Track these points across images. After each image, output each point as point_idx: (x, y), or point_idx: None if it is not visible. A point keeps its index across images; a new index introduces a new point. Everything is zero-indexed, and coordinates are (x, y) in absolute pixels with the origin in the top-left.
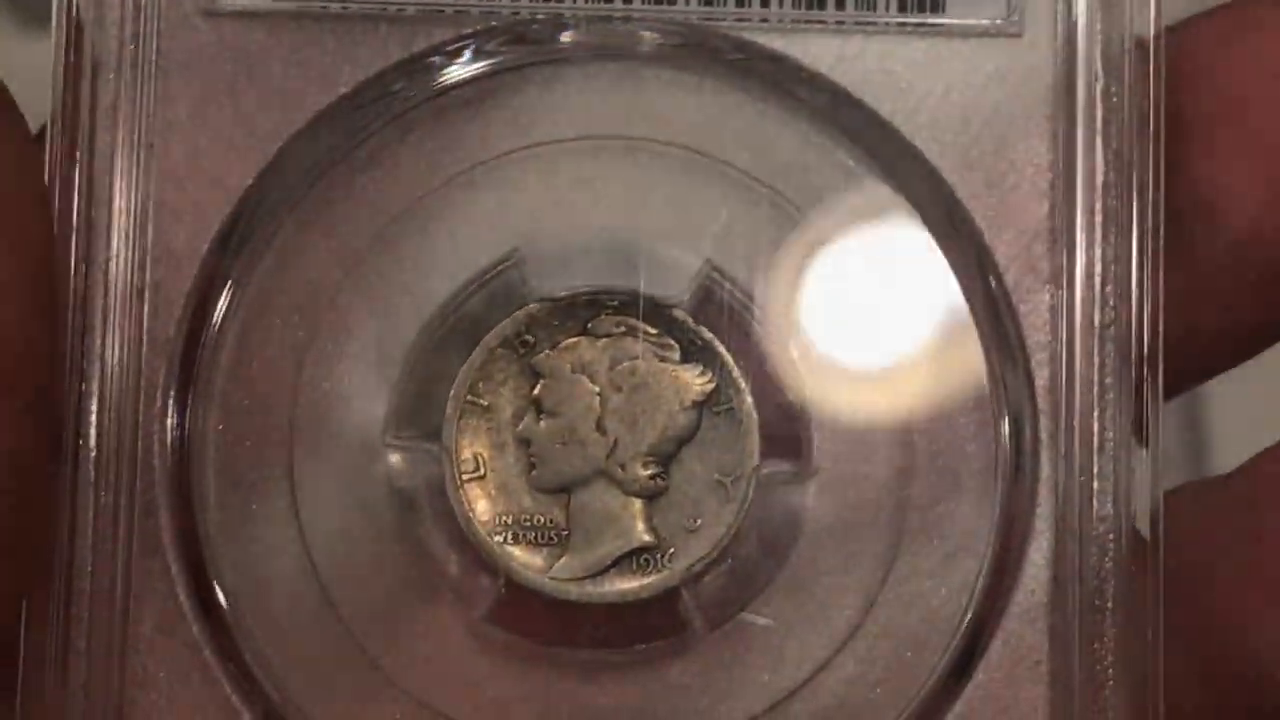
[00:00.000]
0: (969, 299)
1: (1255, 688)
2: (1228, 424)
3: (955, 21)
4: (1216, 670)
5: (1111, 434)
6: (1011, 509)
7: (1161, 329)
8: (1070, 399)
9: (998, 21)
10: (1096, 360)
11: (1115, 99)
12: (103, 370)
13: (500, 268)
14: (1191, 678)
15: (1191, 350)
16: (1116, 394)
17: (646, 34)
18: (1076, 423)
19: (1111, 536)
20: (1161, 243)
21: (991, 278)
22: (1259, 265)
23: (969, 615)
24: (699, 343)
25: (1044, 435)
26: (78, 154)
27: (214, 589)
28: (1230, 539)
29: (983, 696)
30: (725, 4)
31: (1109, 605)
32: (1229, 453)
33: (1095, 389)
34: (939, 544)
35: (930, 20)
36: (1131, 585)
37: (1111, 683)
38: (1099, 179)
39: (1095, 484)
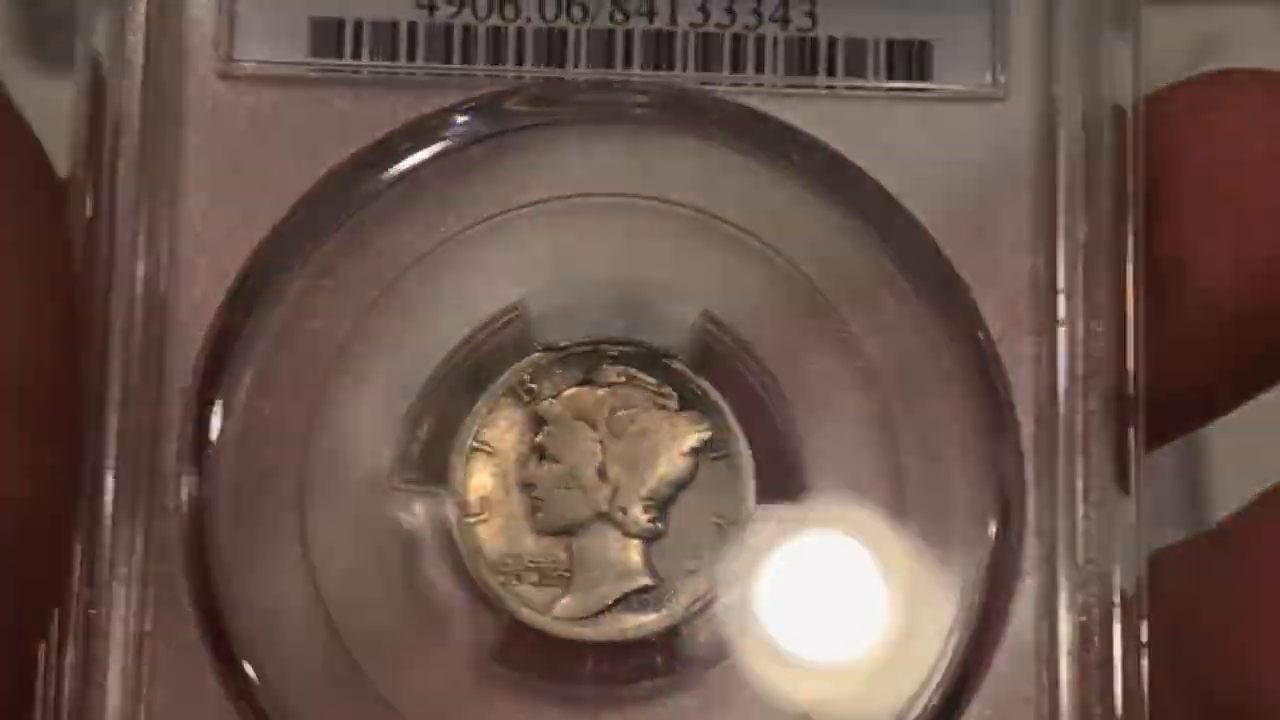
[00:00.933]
0: (956, 350)
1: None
2: (1225, 473)
3: (942, 87)
4: (1208, 708)
5: (1095, 481)
6: (999, 552)
7: (1143, 380)
8: (1054, 447)
9: (983, 87)
10: (1080, 410)
11: (1095, 159)
12: (121, 418)
13: (505, 319)
14: (1183, 713)
15: (1172, 403)
16: (1099, 443)
17: (644, 98)
18: (1060, 470)
19: (1096, 579)
20: (1142, 298)
21: (978, 330)
22: (1229, 324)
23: (959, 655)
24: (696, 391)
25: (1029, 481)
26: (98, 208)
27: (226, 629)
28: (1219, 585)
29: None
30: (721, 69)
31: (1095, 645)
32: (1227, 501)
33: (1079, 438)
34: (930, 585)
35: (918, 86)
36: (1116, 625)
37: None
38: (1080, 236)
39: (1080, 528)
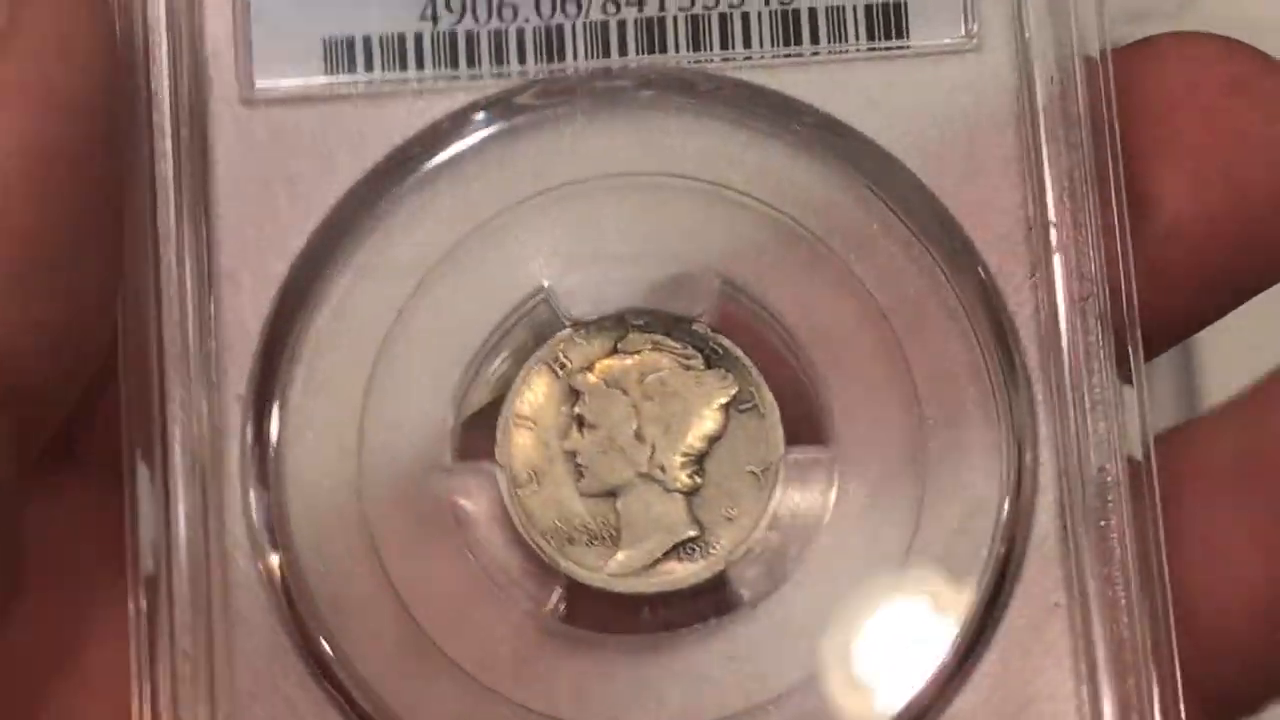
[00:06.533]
0: (959, 286)
1: None
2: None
3: (920, 43)
4: None
5: (1100, 392)
6: (1018, 470)
7: (1135, 295)
8: (1059, 367)
9: (958, 40)
10: (1080, 330)
11: (1070, 97)
12: (184, 424)
13: (533, 300)
14: None
15: (1147, 324)
16: (1100, 358)
17: (642, 81)
18: (1067, 387)
19: (1110, 481)
20: (1127, 222)
21: (977, 266)
22: (1186, 252)
23: (989, 568)
24: (719, 350)
25: (1039, 399)
26: (140, 235)
27: (301, 614)
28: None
29: (1009, 642)
30: (711, 49)
31: (1115, 543)
32: None
33: (1081, 356)
34: (956, 507)
35: (897, 45)
36: (1133, 521)
37: (1126, 614)
38: (1063, 169)
39: (1091, 438)
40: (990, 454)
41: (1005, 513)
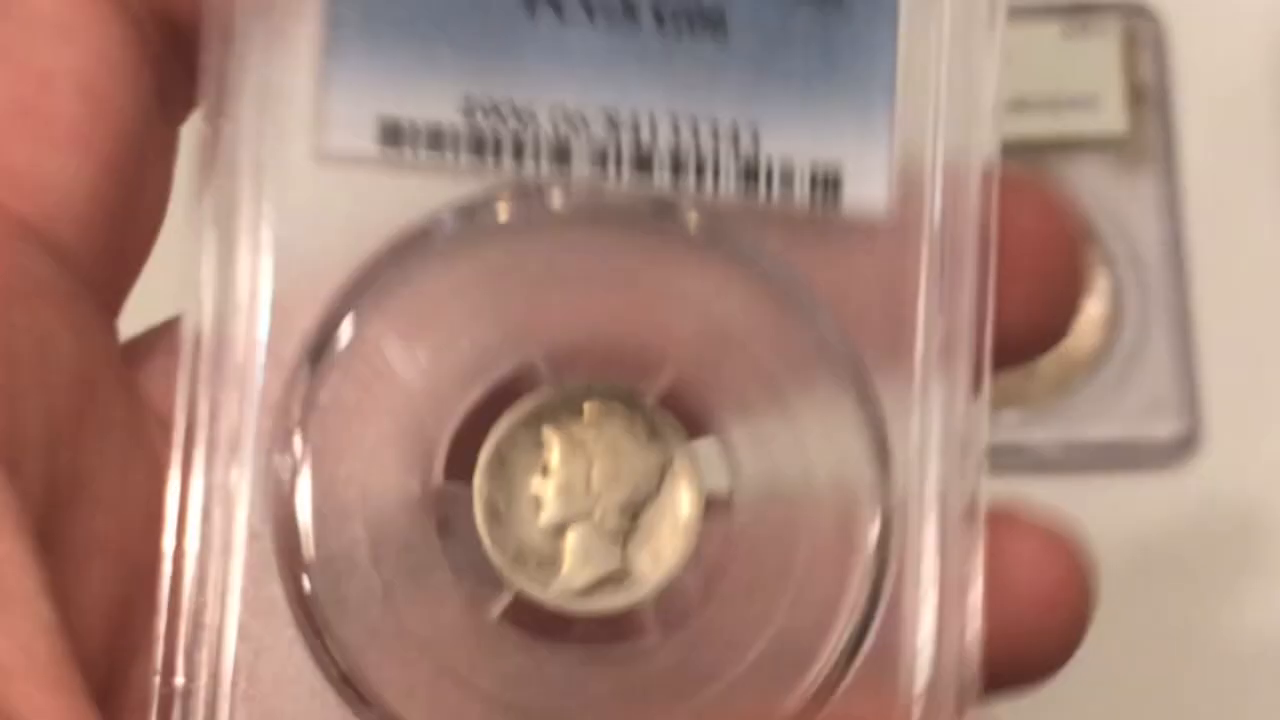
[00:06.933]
0: (832, 361)
1: None
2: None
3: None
4: None
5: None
6: (884, 486)
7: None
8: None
9: (878, 208)
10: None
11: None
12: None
13: (522, 367)
14: None
15: None
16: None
17: (620, 197)
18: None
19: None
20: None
21: (848, 349)
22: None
23: (854, 619)
24: (659, 421)
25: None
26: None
27: (305, 593)
28: None
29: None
30: (687, 181)
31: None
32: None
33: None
34: (829, 573)
35: (832, 208)
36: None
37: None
38: (940, 290)
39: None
40: (862, 483)
41: (875, 479)
